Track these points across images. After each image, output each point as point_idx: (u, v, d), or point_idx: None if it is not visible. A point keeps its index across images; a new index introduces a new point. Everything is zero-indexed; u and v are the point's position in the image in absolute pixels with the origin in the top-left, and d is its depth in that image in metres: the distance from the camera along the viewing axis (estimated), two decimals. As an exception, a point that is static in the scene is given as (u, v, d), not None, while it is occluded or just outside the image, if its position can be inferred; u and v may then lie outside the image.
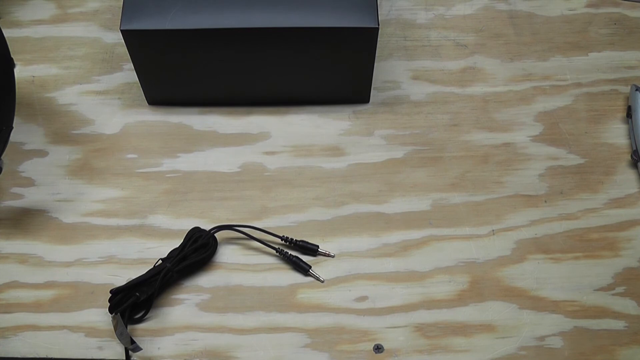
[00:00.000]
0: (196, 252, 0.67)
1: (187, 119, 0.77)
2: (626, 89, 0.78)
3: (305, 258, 0.69)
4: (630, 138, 0.75)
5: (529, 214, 0.71)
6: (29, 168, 0.74)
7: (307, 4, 0.67)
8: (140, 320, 0.66)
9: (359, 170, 0.74)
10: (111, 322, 0.64)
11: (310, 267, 0.68)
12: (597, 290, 0.68)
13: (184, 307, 0.67)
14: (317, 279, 0.68)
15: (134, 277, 0.65)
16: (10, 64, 0.67)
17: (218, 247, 0.69)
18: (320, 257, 0.69)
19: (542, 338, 0.66)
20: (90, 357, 0.65)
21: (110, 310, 0.64)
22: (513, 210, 0.72)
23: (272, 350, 0.65)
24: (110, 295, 0.65)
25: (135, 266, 0.68)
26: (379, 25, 0.67)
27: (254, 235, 0.69)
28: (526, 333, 0.66)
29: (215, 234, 0.69)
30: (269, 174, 0.74)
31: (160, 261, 0.67)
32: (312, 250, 0.69)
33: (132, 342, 0.63)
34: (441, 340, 0.66)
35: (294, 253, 0.69)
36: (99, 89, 0.78)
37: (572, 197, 0.72)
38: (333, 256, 0.69)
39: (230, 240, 0.70)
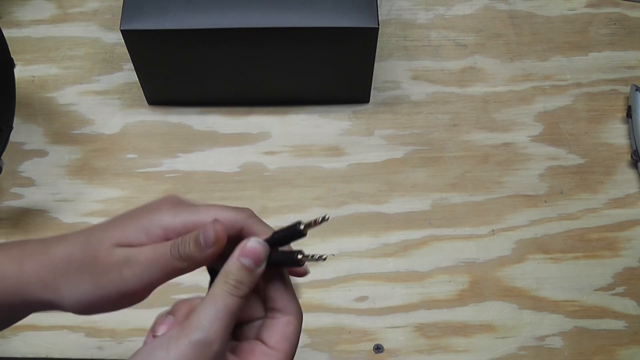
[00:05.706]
0: None
1: (187, 119, 0.77)
2: (626, 89, 0.78)
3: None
4: (630, 138, 0.75)
5: (529, 214, 0.71)
6: (29, 168, 0.74)
7: (307, 4, 0.67)
8: None
9: (359, 170, 0.74)
10: None
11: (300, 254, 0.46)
12: (597, 290, 0.68)
13: (184, 307, 0.67)
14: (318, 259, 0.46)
15: None
16: (10, 64, 0.67)
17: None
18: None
19: (542, 338, 0.66)
20: (90, 357, 0.65)
21: None
22: (513, 210, 0.72)
23: (272, 350, 0.65)
24: None
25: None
26: (379, 25, 0.67)
27: None
28: (526, 333, 0.66)
29: None
30: (269, 174, 0.74)
31: None
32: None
33: None
34: (441, 340, 0.66)
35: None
36: (99, 89, 0.78)
37: (572, 197, 0.72)
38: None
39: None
